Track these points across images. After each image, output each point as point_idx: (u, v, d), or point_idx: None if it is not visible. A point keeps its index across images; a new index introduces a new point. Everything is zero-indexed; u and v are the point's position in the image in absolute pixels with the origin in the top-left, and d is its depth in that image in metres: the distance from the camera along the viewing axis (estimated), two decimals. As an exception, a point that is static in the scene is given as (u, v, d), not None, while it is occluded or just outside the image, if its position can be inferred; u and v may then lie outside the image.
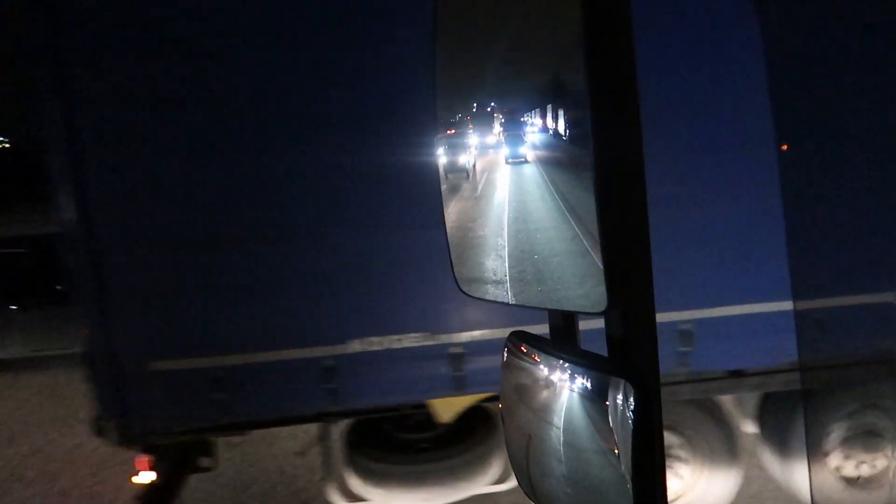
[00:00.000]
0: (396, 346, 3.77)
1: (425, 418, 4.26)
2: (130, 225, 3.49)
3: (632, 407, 0.71)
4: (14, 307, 8.54)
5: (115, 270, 3.47)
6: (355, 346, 3.72)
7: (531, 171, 0.81)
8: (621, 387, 0.73)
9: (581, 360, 0.81)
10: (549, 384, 0.85)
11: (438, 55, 0.93)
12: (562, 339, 0.92)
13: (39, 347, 8.60)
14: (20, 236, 8.38)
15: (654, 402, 0.74)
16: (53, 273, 7.47)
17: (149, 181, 3.47)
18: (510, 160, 0.83)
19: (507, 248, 0.88)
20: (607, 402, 0.75)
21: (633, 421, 0.71)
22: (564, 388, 0.82)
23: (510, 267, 0.88)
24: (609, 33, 0.69)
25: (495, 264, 0.91)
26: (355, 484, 4.46)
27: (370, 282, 3.68)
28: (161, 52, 3.40)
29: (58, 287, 7.44)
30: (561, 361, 0.83)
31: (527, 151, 0.80)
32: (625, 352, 0.76)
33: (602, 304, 0.71)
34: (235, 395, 3.69)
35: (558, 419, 0.83)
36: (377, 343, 3.73)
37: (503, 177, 0.85)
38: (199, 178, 3.49)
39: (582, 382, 0.79)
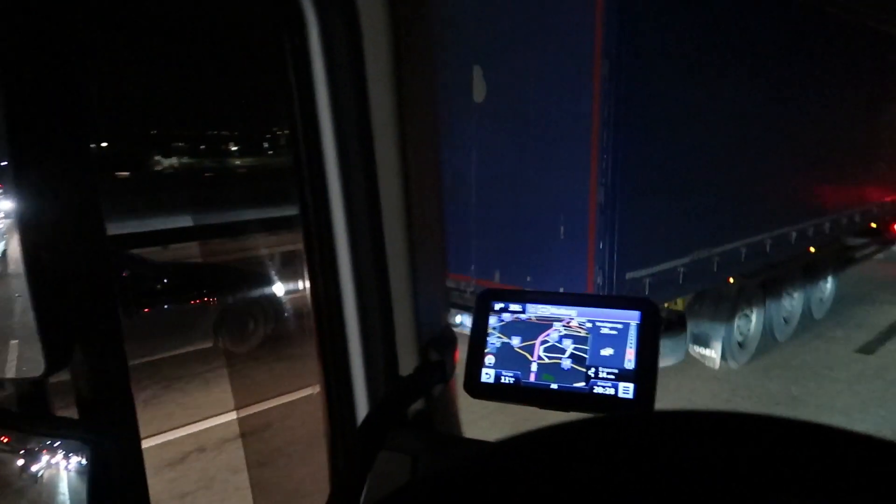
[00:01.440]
0: None
1: None
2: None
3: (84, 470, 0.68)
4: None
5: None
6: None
7: None
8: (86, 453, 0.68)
9: (54, 430, 0.73)
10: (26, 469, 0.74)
11: None
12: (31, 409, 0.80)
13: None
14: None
15: (130, 460, 0.72)
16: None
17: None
18: None
19: None
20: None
21: (89, 482, 0.68)
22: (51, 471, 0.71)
23: None
24: None
25: None
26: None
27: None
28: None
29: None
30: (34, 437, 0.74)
31: None
32: (95, 411, 0.71)
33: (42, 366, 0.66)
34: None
35: None
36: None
37: None
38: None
39: (77, 459, 0.70)
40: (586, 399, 0.97)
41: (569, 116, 4.64)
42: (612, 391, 0.97)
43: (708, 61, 5.35)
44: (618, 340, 0.98)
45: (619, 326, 0.99)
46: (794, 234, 6.90)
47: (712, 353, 6.24)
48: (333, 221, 1.06)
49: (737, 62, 5.67)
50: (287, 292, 7.20)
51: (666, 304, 5.84)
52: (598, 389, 0.98)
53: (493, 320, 1.05)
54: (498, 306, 1.05)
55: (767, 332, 6.97)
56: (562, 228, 4.79)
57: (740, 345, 6.57)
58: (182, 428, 5.41)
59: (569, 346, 1.00)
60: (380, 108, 1.02)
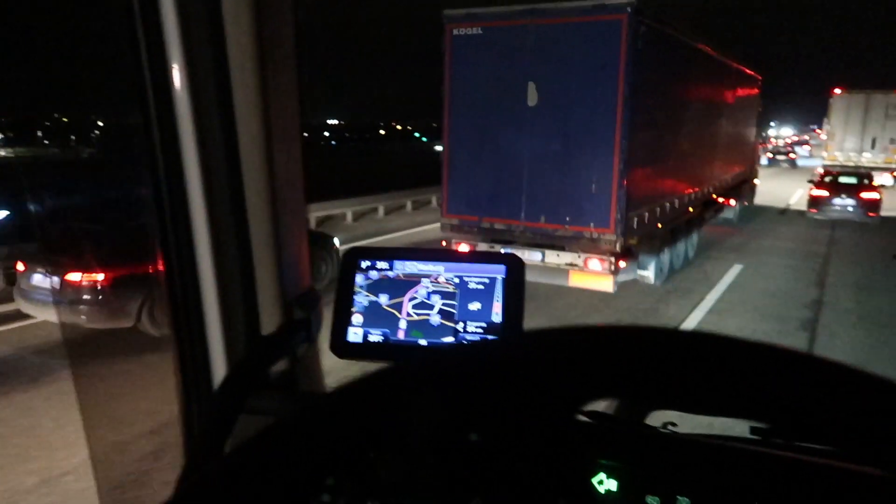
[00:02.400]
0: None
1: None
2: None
3: None
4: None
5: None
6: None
7: None
8: None
9: None
10: None
11: None
12: None
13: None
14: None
15: None
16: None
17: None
18: None
19: None
20: None
21: None
22: None
23: None
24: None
25: None
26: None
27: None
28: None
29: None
30: None
31: None
32: None
33: None
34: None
35: None
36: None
37: None
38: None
39: None
40: None
41: (601, 117, 7.60)
42: None
43: (669, 89, 8.72)
44: (485, 295, 0.98)
45: (486, 281, 0.99)
46: (686, 200, 10.52)
47: (649, 274, 9.53)
48: (188, 179, 1.01)
49: (682, 92, 9.15)
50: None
51: (628, 241, 9.03)
52: None
53: (359, 279, 1.03)
54: (365, 264, 1.03)
55: (672, 262, 10.47)
56: (593, 186, 7.75)
57: (661, 269, 9.96)
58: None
59: (437, 301, 1.00)
60: (239, 68, 0.98)
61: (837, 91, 25.20)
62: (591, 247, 7.95)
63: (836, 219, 16.40)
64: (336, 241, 9.75)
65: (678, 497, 0.86)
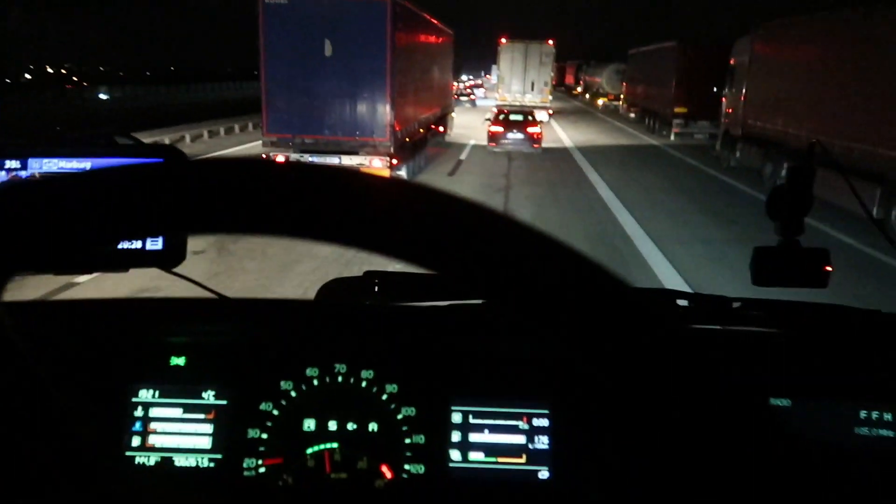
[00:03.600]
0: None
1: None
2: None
3: None
4: None
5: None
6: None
7: None
8: None
9: None
10: None
11: None
12: None
13: None
14: None
15: None
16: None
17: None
18: None
19: None
20: None
21: None
22: None
23: None
24: None
25: None
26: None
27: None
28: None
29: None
30: None
31: None
32: None
33: None
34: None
35: None
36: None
37: None
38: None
39: None
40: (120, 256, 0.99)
41: (377, 63, 11.60)
42: (139, 245, 0.97)
43: (414, 46, 13.04)
44: None
45: None
46: (420, 125, 15.17)
47: (403, 174, 13.87)
48: None
49: (419, 47, 13.50)
50: None
51: (396, 148, 13.18)
52: (125, 246, 0.97)
53: None
54: None
55: (415, 169, 14.98)
56: (375, 110, 11.77)
57: (411, 172, 14.37)
58: None
59: None
60: None
61: (503, 40, 29.97)
62: (374, 151, 12.02)
63: (511, 150, 18.99)
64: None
65: (336, 365, 1.02)
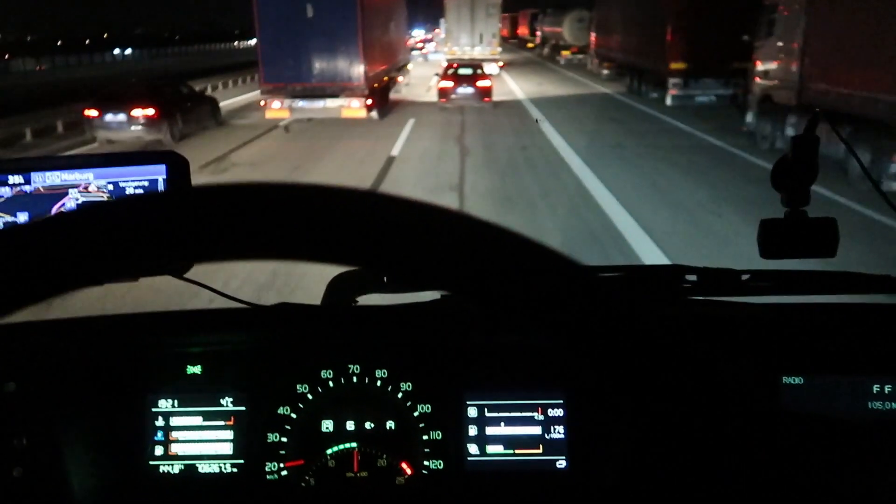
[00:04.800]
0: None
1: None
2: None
3: None
4: None
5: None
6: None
7: None
8: None
9: None
10: None
11: None
12: None
13: None
14: None
15: None
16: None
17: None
18: None
19: None
20: None
21: None
22: None
23: None
24: None
25: None
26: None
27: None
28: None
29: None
30: None
31: None
32: None
33: None
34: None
35: None
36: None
37: None
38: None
39: None
40: None
41: (350, 22, 14.33)
42: None
43: (382, 6, 15.83)
44: None
45: (146, 184, 0.95)
46: (385, 72, 17.95)
47: (375, 116, 16.53)
48: None
49: (387, 7, 16.31)
50: None
51: (369, 91, 15.80)
52: None
53: None
54: None
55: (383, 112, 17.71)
56: (350, 60, 14.52)
57: (382, 114, 17.08)
58: None
59: None
60: None
61: None
62: (352, 94, 14.78)
63: (462, 105, 18.41)
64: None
65: (350, 365, 1.01)
